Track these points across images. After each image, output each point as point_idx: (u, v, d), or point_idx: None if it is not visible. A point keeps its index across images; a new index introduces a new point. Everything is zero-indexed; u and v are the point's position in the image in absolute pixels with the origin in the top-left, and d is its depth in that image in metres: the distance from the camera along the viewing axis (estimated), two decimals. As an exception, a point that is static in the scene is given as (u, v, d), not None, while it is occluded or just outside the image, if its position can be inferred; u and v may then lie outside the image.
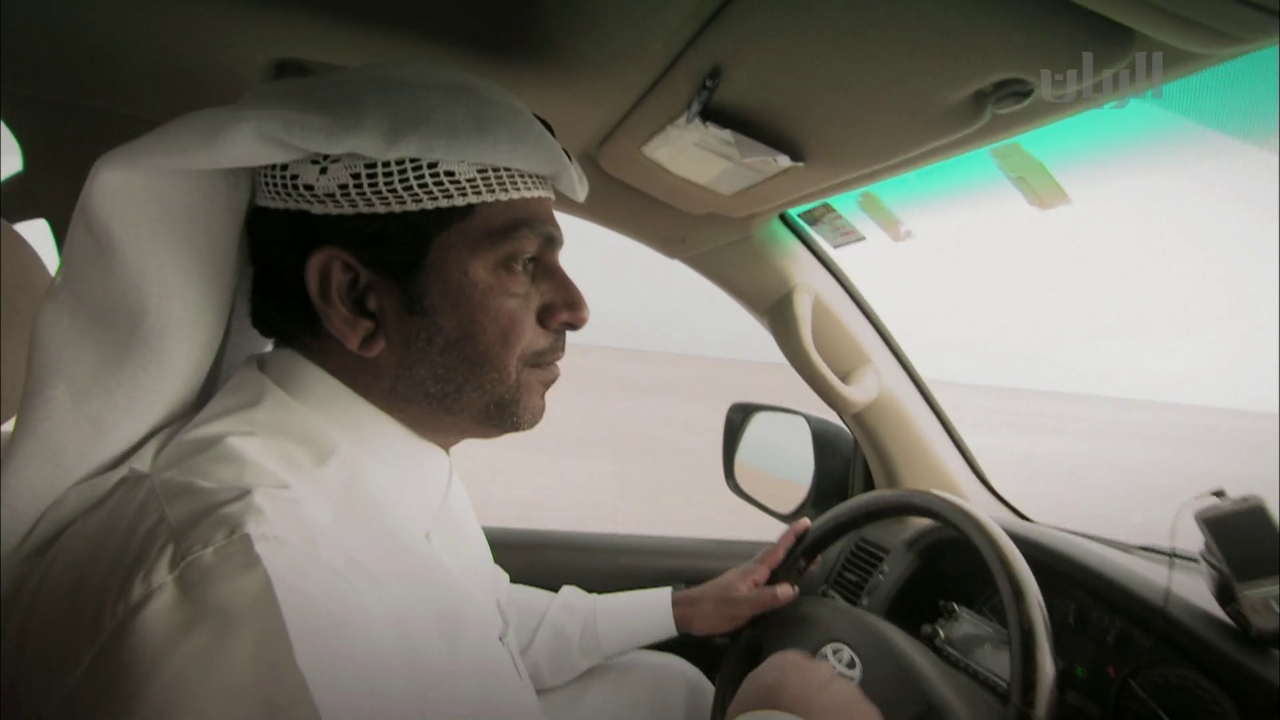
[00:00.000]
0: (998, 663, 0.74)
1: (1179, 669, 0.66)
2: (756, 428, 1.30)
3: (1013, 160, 0.67)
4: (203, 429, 0.44)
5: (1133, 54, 0.42)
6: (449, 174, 0.46)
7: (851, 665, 0.69)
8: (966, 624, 0.79)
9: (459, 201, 0.46)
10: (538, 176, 0.51)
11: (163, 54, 0.73)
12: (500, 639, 0.59)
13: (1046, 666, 0.57)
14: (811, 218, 0.98)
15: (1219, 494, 0.63)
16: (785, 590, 0.83)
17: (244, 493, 0.37)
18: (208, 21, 0.66)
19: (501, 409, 0.51)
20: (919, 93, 0.53)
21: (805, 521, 0.88)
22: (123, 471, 0.43)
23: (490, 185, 0.47)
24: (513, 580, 0.84)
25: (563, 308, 0.52)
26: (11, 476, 0.42)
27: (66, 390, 0.43)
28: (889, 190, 0.84)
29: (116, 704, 0.31)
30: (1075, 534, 0.88)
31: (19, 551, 0.42)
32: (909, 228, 0.89)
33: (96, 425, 0.43)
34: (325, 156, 0.45)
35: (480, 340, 0.48)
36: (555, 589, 0.88)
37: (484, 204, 0.47)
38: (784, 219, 1.02)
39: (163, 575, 0.34)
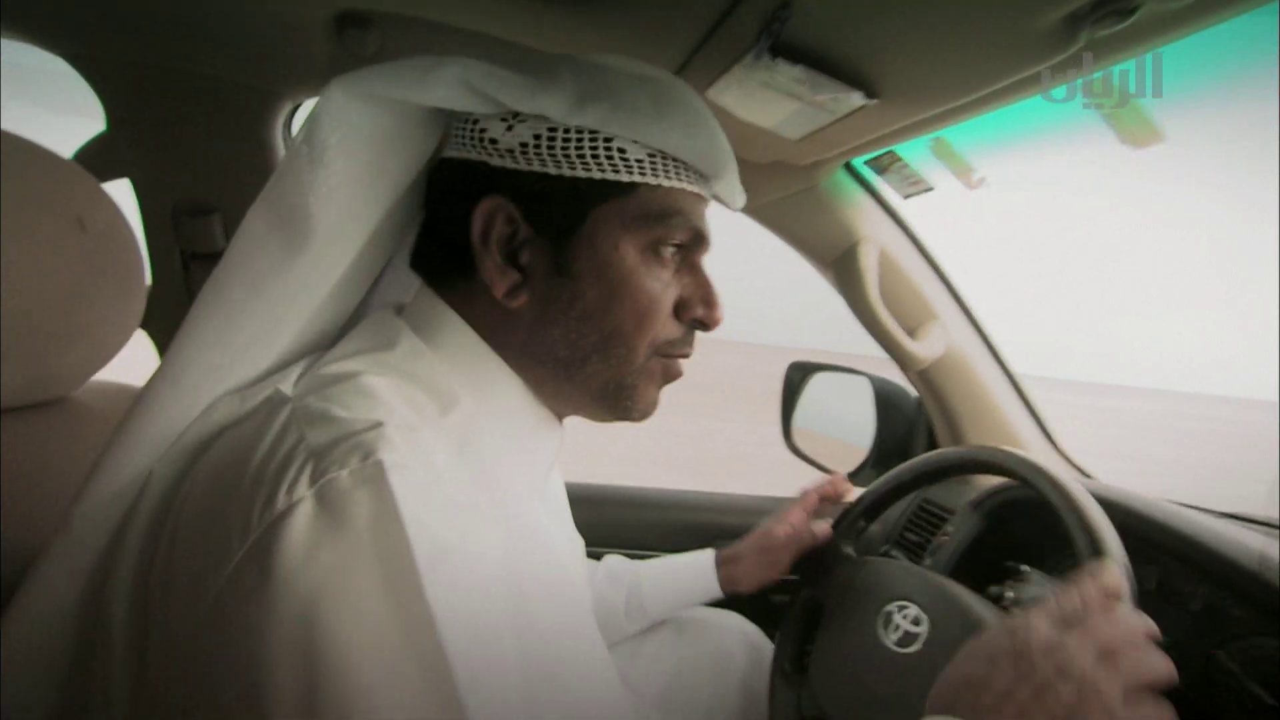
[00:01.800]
0: (1071, 626, 0.72)
1: (1275, 640, 0.63)
2: (815, 387, 1.28)
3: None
4: (339, 365, 0.46)
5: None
6: (621, 150, 0.48)
7: (917, 623, 0.67)
8: (1037, 586, 0.76)
9: (624, 178, 0.49)
10: (700, 175, 0.52)
11: (232, 12, 0.75)
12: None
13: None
14: (879, 166, 0.94)
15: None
16: (822, 527, 0.83)
17: (377, 424, 0.40)
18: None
19: (620, 391, 0.53)
20: (1007, 16, 0.49)
21: (841, 475, 0.88)
22: (268, 390, 0.46)
23: (657, 170, 0.49)
24: None
25: (699, 304, 0.54)
26: (187, 361, 0.46)
27: (248, 280, 0.47)
28: (959, 136, 0.80)
29: (262, 603, 0.34)
30: (1157, 498, 0.84)
31: (171, 451, 0.45)
32: (982, 175, 0.85)
33: (268, 318, 0.47)
34: (514, 115, 0.48)
35: (616, 315, 0.50)
36: (620, 545, 0.89)
37: (646, 186, 0.49)
38: (850, 169, 0.98)
39: (303, 490, 0.36)
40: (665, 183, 0.50)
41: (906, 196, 0.97)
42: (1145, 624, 0.48)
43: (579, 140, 0.48)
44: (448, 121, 0.52)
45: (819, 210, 0.99)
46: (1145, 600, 0.73)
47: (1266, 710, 0.61)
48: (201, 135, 0.92)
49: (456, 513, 0.41)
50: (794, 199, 0.99)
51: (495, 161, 0.49)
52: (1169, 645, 0.69)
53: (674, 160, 0.50)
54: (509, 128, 0.48)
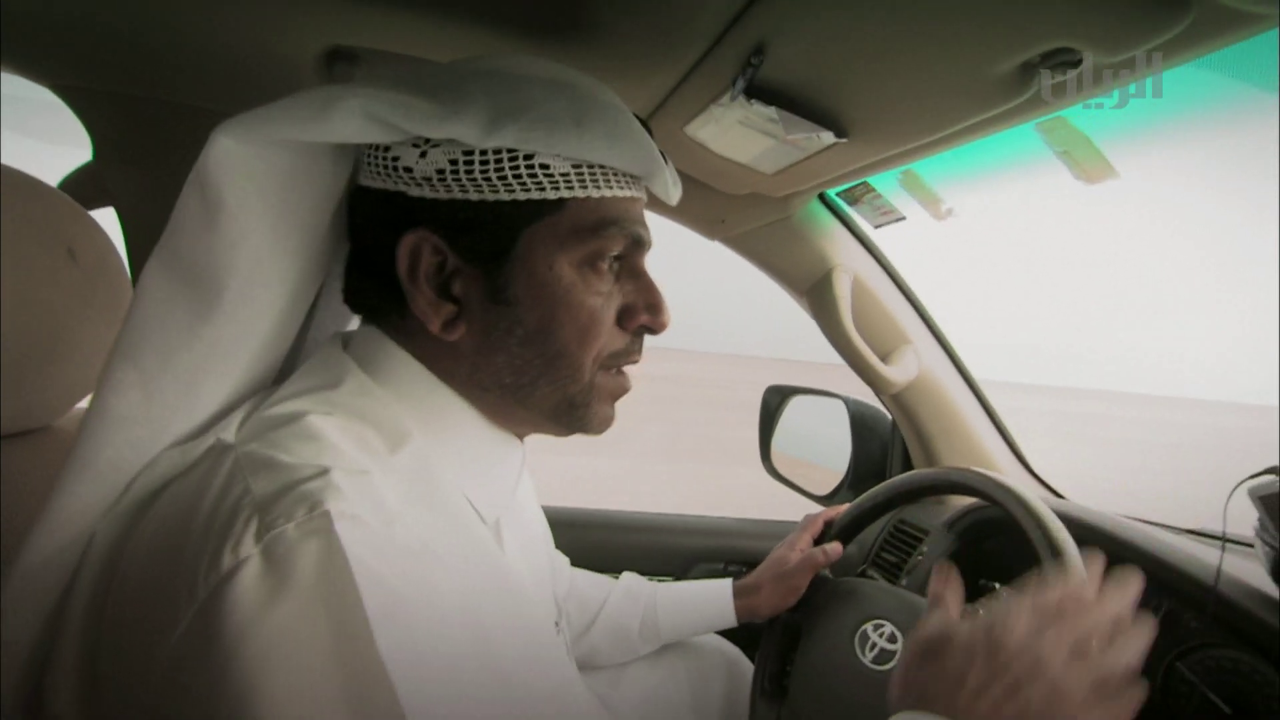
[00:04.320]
0: (1041, 641, 0.74)
1: (1231, 651, 0.65)
2: (793, 410, 1.31)
3: (1059, 134, 0.66)
4: (284, 405, 0.45)
5: (1190, 16, 0.41)
6: (544, 167, 0.46)
7: (893, 640, 0.69)
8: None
9: (551, 195, 0.47)
10: (631, 176, 0.51)
11: (221, 45, 0.76)
12: (555, 624, 0.60)
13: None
14: (851, 197, 0.97)
15: (1276, 471, 0.62)
16: (834, 547, 0.83)
17: (323, 470, 0.39)
18: (262, 11, 0.68)
19: (572, 409, 0.52)
20: (965, 64, 0.52)
21: (844, 506, 0.89)
22: (210, 440, 0.44)
23: (584, 181, 0.47)
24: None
25: (643, 310, 0.52)
26: (109, 434, 0.44)
27: (158, 347, 0.44)
28: (929, 168, 0.83)
29: (212, 668, 0.33)
30: (1119, 516, 0.87)
31: (114, 509, 0.44)
32: (950, 206, 0.89)
33: (185, 384, 0.45)
34: (426, 141, 0.45)
35: (559, 335, 0.49)
36: (602, 567, 0.90)
37: (575, 200, 0.48)
38: (823, 199, 1.02)
39: (249, 547, 0.35)
40: (595, 194, 0.48)
41: (878, 226, 1.01)
42: (1117, 610, 0.48)
43: (498, 162, 0.45)
44: (358, 148, 0.50)
45: (794, 240, 1.02)
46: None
47: (1223, 717, 0.63)
48: (187, 164, 0.92)
49: (409, 559, 0.39)
50: (769, 229, 1.02)
51: (413, 191, 0.46)
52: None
53: (601, 168, 0.48)
54: (422, 154, 0.46)
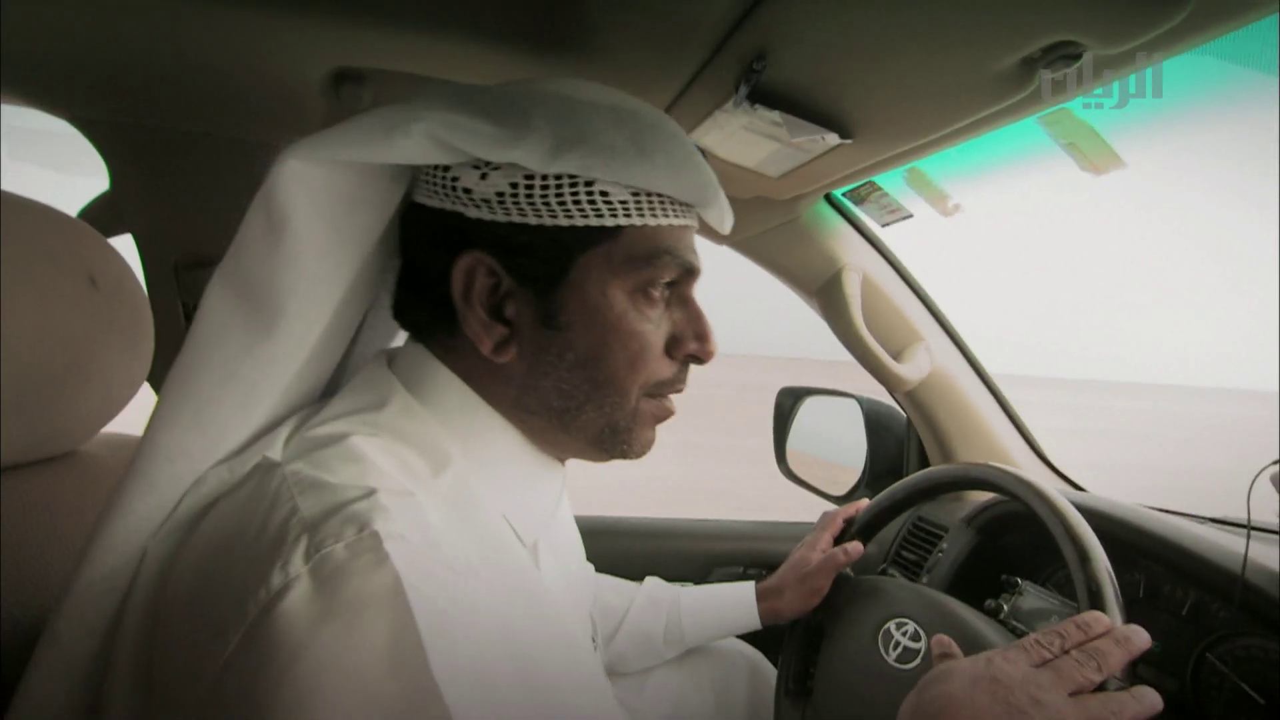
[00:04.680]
0: (1066, 635, 0.73)
1: (1262, 639, 0.65)
2: (807, 411, 1.31)
3: (1063, 126, 0.66)
4: (329, 426, 0.45)
5: (1191, 4, 0.41)
6: (604, 194, 0.46)
7: (916, 639, 0.69)
8: (1031, 598, 0.78)
9: (609, 222, 0.47)
10: (685, 205, 0.51)
11: (230, 71, 0.78)
12: (593, 641, 0.60)
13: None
14: (858, 197, 0.97)
15: (1298, 456, 0.61)
16: (855, 546, 0.82)
17: (370, 491, 0.39)
18: (268, 37, 0.70)
19: (615, 435, 0.52)
20: (965, 62, 0.53)
21: (863, 502, 0.88)
22: (256, 458, 0.45)
23: (641, 210, 0.48)
24: None
25: (691, 339, 0.52)
26: (167, 443, 0.44)
27: (217, 365, 0.45)
28: (935, 165, 0.84)
29: (262, 686, 0.33)
30: (1141, 506, 0.86)
31: (165, 526, 0.44)
32: (957, 201, 0.89)
33: (239, 404, 0.46)
34: (487, 163, 0.46)
35: (608, 362, 0.49)
36: (622, 573, 0.90)
37: (633, 228, 0.48)
38: (830, 200, 1.02)
39: (298, 566, 0.35)
40: (652, 222, 0.48)
41: (885, 224, 1.01)
42: (1139, 635, 0.49)
43: (559, 188, 0.46)
44: (415, 165, 0.50)
45: (801, 241, 1.03)
46: (1133, 607, 0.75)
47: (1258, 709, 0.63)
48: (202, 190, 0.94)
49: (453, 579, 0.40)
50: (777, 231, 1.02)
51: (471, 213, 0.47)
52: (1159, 649, 0.71)
53: (658, 196, 0.48)
54: (483, 176, 0.46)
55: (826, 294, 1.05)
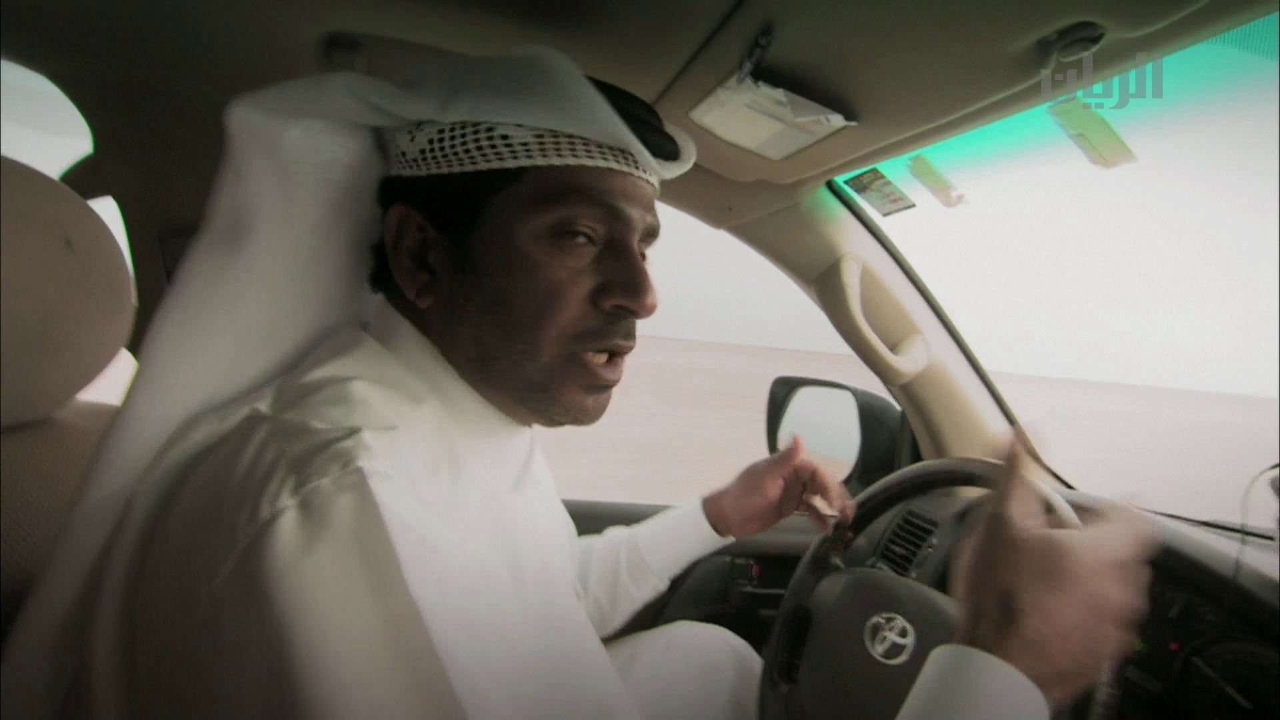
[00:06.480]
0: (1054, 634, 0.73)
1: (1250, 645, 0.64)
2: (800, 402, 1.30)
3: (1074, 117, 0.64)
4: (309, 375, 0.48)
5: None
6: (504, 137, 0.47)
7: (904, 634, 0.68)
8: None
9: (510, 164, 0.48)
10: (612, 150, 0.49)
11: (220, 32, 0.75)
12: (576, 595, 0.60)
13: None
14: (860, 184, 0.96)
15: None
16: (798, 439, 0.83)
17: (354, 431, 0.41)
18: (261, -3, 0.68)
19: (535, 392, 0.50)
20: (979, 42, 0.51)
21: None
22: (245, 409, 0.46)
23: (545, 150, 0.48)
24: None
25: (618, 289, 0.49)
26: (159, 379, 0.47)
27: (202, 275, 0.48)
28: (940, 154, 0.82)
29: (252, 610, 0.35)
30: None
31: (151, 473, 0.45)
32: (961, 192, 0.87)
33: (223, 319, 0.48)
34: (416, 125, 0.49)
35: (516, 305, 0.48)
36: None
37: (536, 168, 0.48)
38: (831, 187, 1.00)
39: (286, 499, 0.37)
40: (557, 161, 0.48)
41: (887, 214, 0.99)
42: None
43: (462, 136, 0.48)
44: (390, 148, 0.53)
45: (801, 227, 1.01)
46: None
47: (1242, 712, 0.62)
48: (188, 155, 0.92)
49: (434, 514, 0.42)
50: (777, 217, 1.00)
51: (406, 172, 0.51)
52: (1147, 650, 0.71)
53: (566, 137, 0.48)
54: (411, 137, 0.50)
55: (825, 283, 1.04)
